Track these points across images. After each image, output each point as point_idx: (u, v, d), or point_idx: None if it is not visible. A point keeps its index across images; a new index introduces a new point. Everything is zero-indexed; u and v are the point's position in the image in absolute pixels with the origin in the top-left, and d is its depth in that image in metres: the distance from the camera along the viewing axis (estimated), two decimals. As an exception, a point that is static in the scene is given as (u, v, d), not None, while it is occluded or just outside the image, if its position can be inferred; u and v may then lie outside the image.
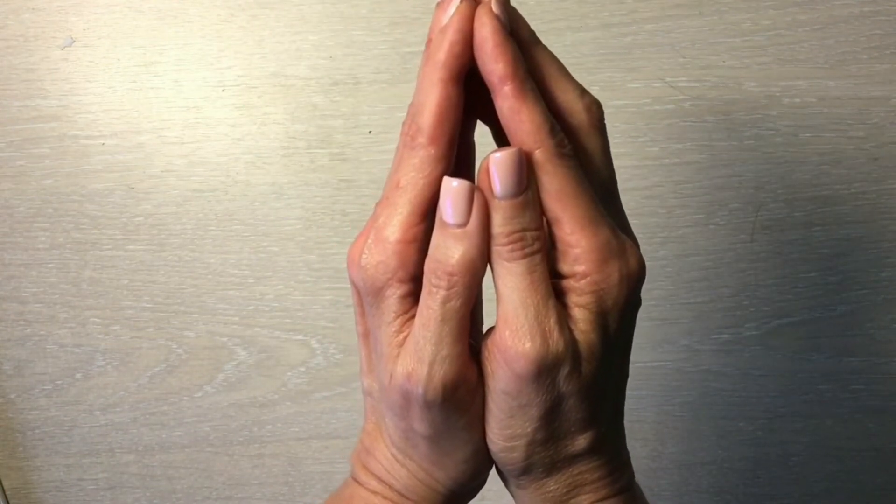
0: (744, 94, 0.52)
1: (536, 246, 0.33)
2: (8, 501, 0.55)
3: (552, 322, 0.33)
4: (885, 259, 0.53)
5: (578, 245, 0.33)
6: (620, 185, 0.38)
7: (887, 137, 0.52)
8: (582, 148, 0.36)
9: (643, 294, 0.34)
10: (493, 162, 0.32)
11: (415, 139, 0.34)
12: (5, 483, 0.55)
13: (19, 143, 0.52)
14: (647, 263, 0.37)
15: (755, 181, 0.53)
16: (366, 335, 0.37)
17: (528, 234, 0.33)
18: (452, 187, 0.32)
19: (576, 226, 0.33)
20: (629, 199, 0.52)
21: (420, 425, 0.35)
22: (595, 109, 0.37)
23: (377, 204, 0.35)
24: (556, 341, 0.33)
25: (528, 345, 0.33)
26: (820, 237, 0.53)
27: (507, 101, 0.32)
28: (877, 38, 0.51)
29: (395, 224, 0.34)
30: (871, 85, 0.52)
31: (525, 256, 0.33)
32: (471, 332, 0.36)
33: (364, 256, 0.34)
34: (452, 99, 0.34)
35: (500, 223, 0.33)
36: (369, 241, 0.34)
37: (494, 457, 0.36)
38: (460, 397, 0.34)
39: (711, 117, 0.52)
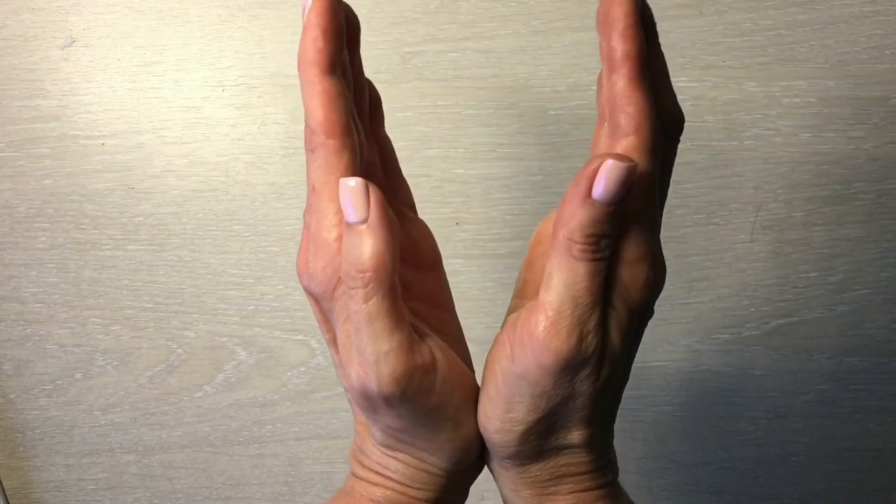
0: (744, 94, 0.52)
1: (607, 253, 0.33)
2: (8, 501, 0.55)
3: (592, 325, 0.33)
4: (885, 259, 0.53)
5: (621, 237, 0.33)
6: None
7: (887, 137, 0.52)
8: None
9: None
10: (606, 167, 0.32)
11: (312, 141, 0.34)
12: (5, 483, 0.55)
13: (19, 144, 0.52)
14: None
15: (755, 181, 0.53)
16: (334, 342, 0.37)
17: (605, 240, 0.33)
18: (350, 187, 0.33)
19: (629, 220, 0.34)
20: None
21: (391, 421, 0.35)
22: (679, 123, 0.37)
23: (304, 213, 0.35)
24: (590, 344, 0.33)
25: (562, 341, 0.33)
26: (820, 237, 0.53)
27: (623, 80, 0.33)
28: (877, 38, 0.51)
29: (326, 225, 0.34)
30: (871, 85, 0.52)
31: (594, 260, 0.33)
32: (443, 318, 0.37)
33: (310, 264, 0.35)
34: (333, 90, 0.34)
35: (585, 222, 0.33)
36: (310, 248, 0.35)
37: (486, 434, 0.37)
38: (418, 383, 0.34)
39: (711, 117, 0.52)
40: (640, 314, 0.35)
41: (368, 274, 0.32)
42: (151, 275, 0.53)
